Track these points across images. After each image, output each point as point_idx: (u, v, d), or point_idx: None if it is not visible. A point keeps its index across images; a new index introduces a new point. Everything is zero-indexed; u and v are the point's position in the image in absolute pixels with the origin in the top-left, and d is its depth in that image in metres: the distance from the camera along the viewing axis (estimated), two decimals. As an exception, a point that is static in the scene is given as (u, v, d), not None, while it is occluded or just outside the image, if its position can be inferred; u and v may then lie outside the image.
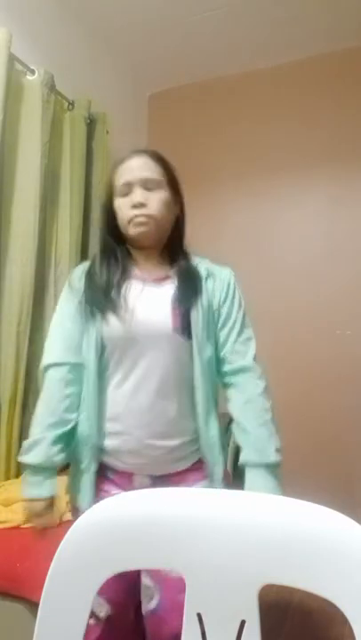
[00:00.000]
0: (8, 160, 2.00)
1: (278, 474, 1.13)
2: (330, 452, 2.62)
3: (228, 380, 1.18)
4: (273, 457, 1.12)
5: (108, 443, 1.14)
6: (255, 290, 2.92)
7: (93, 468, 1.14)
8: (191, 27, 2.58)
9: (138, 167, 1.14)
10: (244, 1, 2.39)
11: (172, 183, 1.18)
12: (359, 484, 2.53)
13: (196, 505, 0.68)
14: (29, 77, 2.09)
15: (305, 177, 2.79)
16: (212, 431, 1.15)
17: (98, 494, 1.14)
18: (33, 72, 2.09)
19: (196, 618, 0.63)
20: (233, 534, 0.63)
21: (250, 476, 1.11)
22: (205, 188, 2.96)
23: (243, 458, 1.13)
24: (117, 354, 1.12)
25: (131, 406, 1.11)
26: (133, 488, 1.14)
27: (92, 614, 1.09)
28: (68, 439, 1.14)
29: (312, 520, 0.62)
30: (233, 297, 1.20)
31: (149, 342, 1.10)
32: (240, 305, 1.21)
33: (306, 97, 2.81)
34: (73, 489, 1.18)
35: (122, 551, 0.67)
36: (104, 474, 1.17)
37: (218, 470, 1.17)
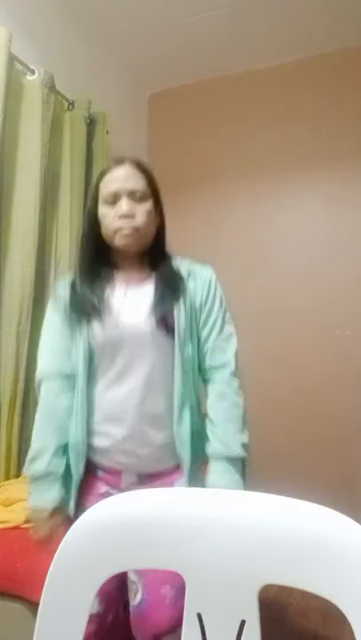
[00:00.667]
0: (8, 160, 2.00)
1: (241, 469, 1.15)
2: (330, 451, 2.62)
3: (207, 375, 1.21)
4: (237, 451, 1.14)
5: (98, 444, 1.16)
6: (255, 290, 2.94)
7: (80, 470, 1.16)
8: (191, 27, 2.58)
9: (125, 178, 1.16)
10: (245, 1, 2.39)
11: (155, 194, 1.22)
12: (359, 484, 2.53)
13: (196, 505, 0.68)
14: (29, 77, 2.09)
15: (305, 177, 2.79)
16: (183, 426, 1.15)
17: (88, 493, 1.17)
18: (33, 72, 2.09)
19: (196, 618, 0.63)
20: (233, 534, 0.63)
21: (213, 468, 1.13)
22: (205, 187, 2.96)
23: (208, 449, 1.15)
24: (105, 357, 1.15)
25: (120, 407, 1.14)
26: (121, 485, 1.17)
27: None
28: (67, 447, 1.17)
29: (312, 520, 0.62)
30: (214, 296, 1.22)
31: (135, 344, 1.14)
32: (221, 303, 1.23)
33: (306, 97, 2.81)
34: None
35: (122, 551, 0.67)
36: (94, 473, 1.19)
37: (189, 466, 1.16)
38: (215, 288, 1.23)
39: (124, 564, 0.70)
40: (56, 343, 1.20)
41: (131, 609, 1.14)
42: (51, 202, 2.21)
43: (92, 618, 1.07)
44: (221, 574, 0.63)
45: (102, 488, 1.18)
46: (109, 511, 0.69)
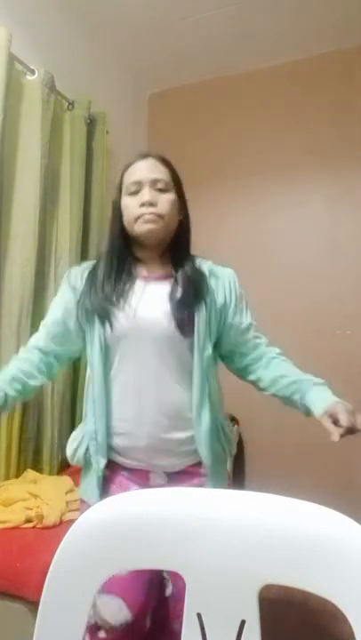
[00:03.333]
0: (8, 160, 1.99)
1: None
2: (330, 452, 2.62)
3: (251, 367, 1.25)
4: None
5: (119, 442, 1.16)
6: (255, 290, 2.92)
7: (102, 464, 1.16)
8: (191, 27, 2.57)
9: (148, 168, 1.18)
10: (245, 1, 2.39)
11: (178, 188, 1.22)
12: (359, 484, 2.53)
13: (197, 505, 0.68)
14: (29, 77, 2.09)
15: (305, 177, 2.79)
16: (202, 425, 1.15)
17: (114, 489, 1.16)
18: (33, 72, 2.09)
19: (196, 618, 0.63)
20: (233, 534, 0.63)
21: (316, 392, 1.23)
22: (205, 187, 2.96)
23: (297, 387, 1.23)
24: (122, 352, 1.14)
25: (138, 404, 1.13)
26: (150, 484, 1.16)
27: (104, 625, 1.06)
28: (25, 390, 1.18)
29: (312, 520, 0.62)
30: (238, 297, 1.24)
31: (152, 340, 1.12)
32: (246, 304, 1.27)
33: (306, 97, 2.81)
34: (83, 484, 1.22)
35: (122, 551, 0.67)
36: (121, 473, 1.19)
37: (210, 465, 1.17)
38: (237, 288, 1.26)
39: (124, 563, 0.70)
40: (57, 322, 1.24)
41: (167, 596, 1.18)
42: (51, 202, 2.21)
43: (117, 630, 1.06)
44: (221, 574, 0.63)
45: (133, 486, 1.17)
46: (109, 511, 0.69)
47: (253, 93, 2.95)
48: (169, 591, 1.17)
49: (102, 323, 1.13)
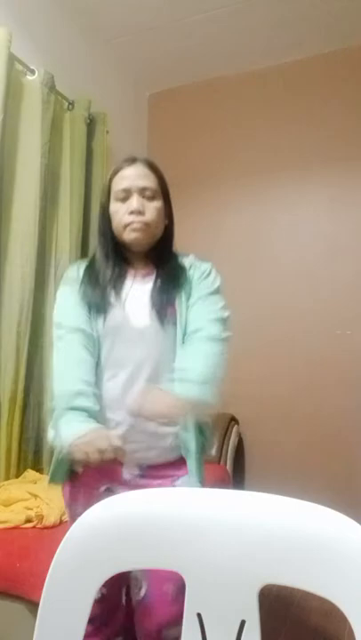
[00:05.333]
0: (8, 160, 2.00)
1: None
2: (330, 451, 2.62)
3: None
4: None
5: None
6: (255, 290, 2.94)
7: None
8: (191, 27, 2.58)
9: (137, 175, 1.20)
10: (245, 1, 2.39)
11: (165, 194, 1.25)
12: (359, 483, 2.53)
13: (196, 505, 0.68)
14: (29, 77, 2.09)
15: (305, 177, 2.79)
16: (188, 418, 1.15)
17: (89, 487, 1.16)
18: (33, 72, 2.09)
19: (196, 618, 0.63)
20: (233, 534, 0.63)
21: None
22: (205, 187, 2.96)
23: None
24: (110, 346, 1.17)
25: (124, 396, 1.14)
26: (122, 478, 1.17)
27: None
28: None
29: (312, 520, 0.62)
30: (207, 278, 1.23)
31: (139, 334, 1.16)
32: (216, 288, 1.24)
33: (306, 97, 2.81)
34: (52, 470, 1.19)
35: (122, 551, 0.67)
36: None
37: (194, 460, 1.17)
38: (210, 273, 1.24)
39: (124, 564, 0.70)
40: (77, 306, 1.19)
41: (134, 602, 1.17)
42: (51, 202, 2.21)
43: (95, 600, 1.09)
44: (221, 574, 0.63)
45: (103, 485, 1.17)
46: (109, 511, 0.69)
47: (253, 93, 2.95)
48: (142, 593, 1.14)
49: (96, 316, 1.17)
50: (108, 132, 2.52)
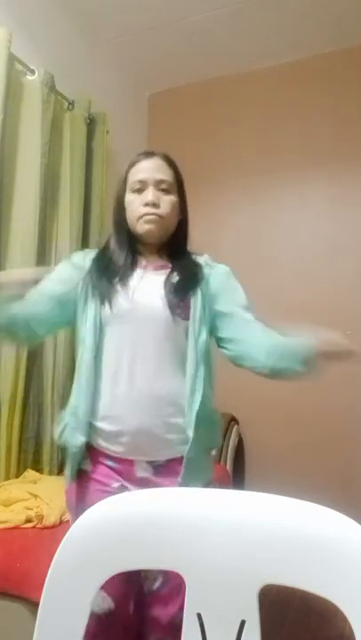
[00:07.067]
0: (8, 160, 2.00)
1: None
2: (330, 451, 2.62)
3: (244, 353, 1.21)
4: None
5: (106, 426, 1.15)
6: (255, 290, 2.92)
7: (79, 441, 1.15)
8: (191, 27, 2.58)
9: (153, 168, 1.21)
10: (244, 1, 2.39)
11: (180, 189, 1.26)
12: (359, 484, 2.53)
13: (197, 505, 0.68)
14: (29, 77, 2.09)
15: (305, 177, 2.79)
16: (193, 412, 1.14)
17: (101, 485, 1.15)
18: (33, 72, 2.09)
19: (196, 618, 0.63)
20: (233, 534, 0.63)
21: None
22: (205, 187, 2.96)
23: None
24: (117, 334, 1.16)
25: (129, 388, 1.13)
26: (135, 476, 1.15)
27: (91, 616, 1.08)
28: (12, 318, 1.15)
29: (312, 520, 0.62)
30: (230, 274, 1.27)
31: (148, 323, 1.15)
32: (241, 292, 1.27)
33: (306, 97, 2.81)
34: (66, 469, 1.21)
35: (122, 551, 0.67)
36: (105, 462, 1.17)
37: (191, 454, 1.15)
38: (230, 278, 1.27)
39: (124, 564, 0.70)
40: (51, 284, 1.21)
41: (148, 593, 1.15)
42: (51, 202, 2.21)
43: (102, 616, 1.07)
44: (221, 574, 0.63)
45: (117, 481, 1.16)
46: (109, 511, 0.69)
47: (253, 93, 2.95)
48: (158, 583, 1.14)
49: (102, 302, 1.16)
50: (108, 132, 2.52)
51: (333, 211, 2.74)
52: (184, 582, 1.04)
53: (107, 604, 1.08)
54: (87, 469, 1.17)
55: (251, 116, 2.94)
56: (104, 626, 1.08)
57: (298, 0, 2.37)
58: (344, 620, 0.57)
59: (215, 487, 1.20)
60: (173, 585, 1.08)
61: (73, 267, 1.26)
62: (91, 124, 2.44)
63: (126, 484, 1.15)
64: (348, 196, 2.70)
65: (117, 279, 1.19)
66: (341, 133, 2.71)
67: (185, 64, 2.92)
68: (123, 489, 1.13)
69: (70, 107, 2.34)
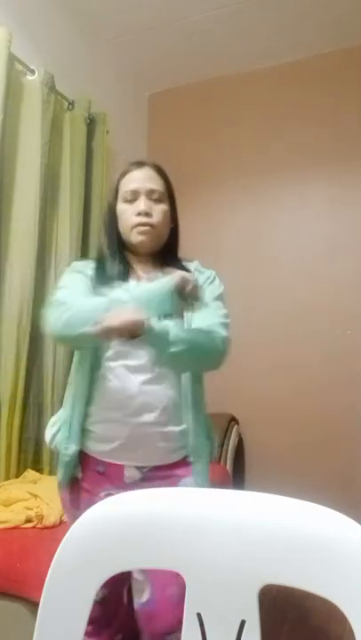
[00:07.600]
0: (8, 160, 2.00)
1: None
2: (330, 451, 2.62)
3: None
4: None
5: (99, 430, 1.17)
6: (255, 290, 2.94)
7: (71, 450, 1.17)
8: (191, 27, 2.58)
9: (145, 178, 1.23)
10: (244, 1, 2.39)
11: (171, 198, 1.28)
12: (359, 484, 2.54)
13: (196, 505, 0.68)
14: (29, 77, 2.09)
15: (305, 177, 2.79)
16: (191, 419, 1.17)
17: (90, 493, 1.17)
18: (33, 72, 2.09)
19: (196, 618, 0.63)
20: (233, 534, 0.63)
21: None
22: (205, 187, 2.96)
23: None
24: (111, 344, 1.16)
25: (124, 394, 1.14)
26: (124, 482, 1.16)
27: None
28: None
29: (312, 520, 0.62)
30: (212, 284, 1.25)
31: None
32: (220, 294, 1.24)
33: (306, 97, 2.81)
34: (58, 472, 1.22)
35: (122, 551, 0.67)
36: (95, 468, 1.19)
37: (193, 462, 1.18)
38: (216, 282, 1.26)
39: (124, 564, 0.70)
40: (89, 292, 1.19)
41: (136, 606, 1.16)
42: (51, 202, 2.21)
43: (96, 603, 1.09)
44: (221, 574, 0.63)
45: (104, 489, 1.17)
46: (109, 511, 0.69)
47: (253, 93, 2.95)
48: (145, 597, 1.14)
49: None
50: (108, 132, 2.53)
51: (333, 211, 2.74)
52: (175, 594, 1.05)
53: (100, 592, 1.10)
54: (78, 476, 1.20)
55: (251, 116, 2.94)
56: (101, 612, 1.12)
57: (298, 0, 2.37)
58: (344, 619, 0.57)
59: (215, 487, 1.20)
60: (163, 599, 1.09)
61: (84, 276, 1.25)
62: (91, 124, 2.44)
63: (114, 491, 1.15)
64: (348, 196, 2.70)
65: (116, 286, 1.18)
66: (341, 133, 2.71)
67: (185, 64, 2.92)
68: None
69: (70, 107, 2.34)
